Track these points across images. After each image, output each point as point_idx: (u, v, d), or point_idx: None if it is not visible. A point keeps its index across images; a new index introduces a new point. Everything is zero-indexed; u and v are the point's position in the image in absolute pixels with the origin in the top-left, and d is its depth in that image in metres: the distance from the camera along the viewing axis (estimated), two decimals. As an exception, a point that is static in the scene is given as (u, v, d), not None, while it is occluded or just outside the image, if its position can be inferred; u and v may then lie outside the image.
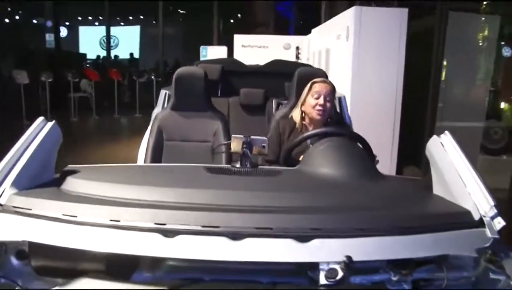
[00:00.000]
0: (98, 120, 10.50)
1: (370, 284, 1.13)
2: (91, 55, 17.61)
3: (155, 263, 1.20)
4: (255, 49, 11.51)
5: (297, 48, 10.16)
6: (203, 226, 1.11)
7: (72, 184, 1.37)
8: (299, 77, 2.63)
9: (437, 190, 1.48)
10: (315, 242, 1.09)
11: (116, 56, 17.23)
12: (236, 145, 1.73)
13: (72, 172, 1.48)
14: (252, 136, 1.73)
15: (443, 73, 5.56)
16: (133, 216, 1.13)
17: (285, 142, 2.38)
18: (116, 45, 18.97)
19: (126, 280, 1.12)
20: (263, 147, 1.74)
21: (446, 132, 1.50)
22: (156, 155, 2.56)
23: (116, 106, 11.10)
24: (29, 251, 1.17)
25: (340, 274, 1.04)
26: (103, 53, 17.78)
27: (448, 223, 1.20)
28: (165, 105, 3.42)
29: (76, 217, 1.15)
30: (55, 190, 1.36)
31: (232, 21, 18.45)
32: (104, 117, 10.75)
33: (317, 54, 8.33)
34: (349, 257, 1.03)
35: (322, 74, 2.64)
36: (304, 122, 2.42)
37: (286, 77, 3.50)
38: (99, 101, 11.04)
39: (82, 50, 18.45)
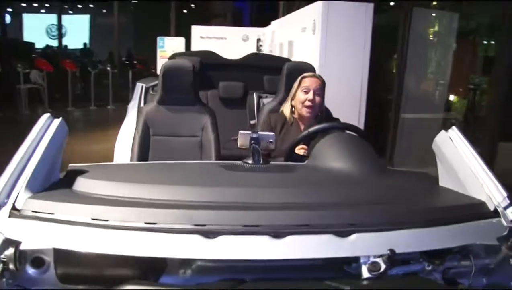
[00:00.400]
0: (51, 113, 9.99)
1: (404, 274, 1.17)
2: (37, 45, 16.74)
3: (184, 264, 1.17)
4: (213, 40, 11.38)
5: (259, 40, 10.15)
6: (244, 226, 1.09)
7: (88, 185, 1.31)
8: (288, 71, 2.65)
9: (444, 182, 1.54)
10: (355, 237, 1.11)
11: (65, 46, 16.48)
12: (243, 140, 1.71)
13: (80, 172, 1.42)
14: (260, 132, 1.72)
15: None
16: (171, 217, 1.10)
17: (277, 136, 2.39)
18: (64, 35, 18.14)
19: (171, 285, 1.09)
20: (271, 142, 1.73)
21: (454, 127, 1.56)
22: (143, 150, 2.50)
23: (70, 99, 10.63)
24: (54, 258, 1.11)
25: (383, 267, 1.07)
26: (51, 43, 16.93)
27: (469, 214, 1.26)
28: (142, 98, 3.33)
29: (107, 220, 1.10)
30: (71, 192, 1.30)
31: (185, 11, 18.16)
32: (57, 110, 10.22)
33: (278, 46, 8.38)
34: (392, 250, 1.06)
35: (311, 69, 2.67)
36: (294, 116, 2.44)
37: (265, 71, 3.51)
38: (51, 93, 10.52)
39: (26, 39, 17.46)
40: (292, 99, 2.43)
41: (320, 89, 2.38)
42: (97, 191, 1.27)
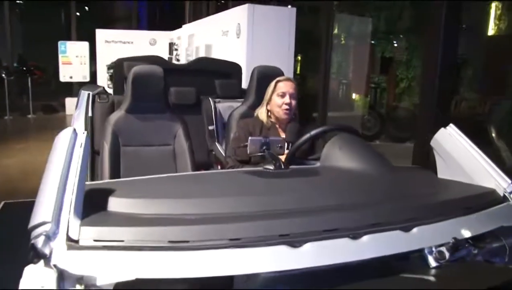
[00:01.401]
0: None
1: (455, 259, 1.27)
2: None
3: (251, 277, 1.15)
4: (119, 45, 10.99)
5: (172, 44, 9.96)
6: (325, 231, 1.11)
7: (136, 205, 1.21)
8: (259, 76, 2.67)
9: (444, 175, 1.70)
10: (417, 230, 1.19)
11: None
12: (254, 147, 1.71)
13: (108, 191, 1.30)
14: (270, 138, 1.73)
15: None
16: (254, 231, 1.07)
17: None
18: None
19: None
20: (280, 147, 1.75)
21: (451, 124, 1.72)
22: (114, 161, 2.35)
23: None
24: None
25: (447, 254, 1.17)
26: None
27: (489, 201, 1.42)
28: (89, 107, 3.10)
29: (188, 242, 1.04)
30: (119, 214, 1.19)
31: (78, 14, 17.12)
32: None
33: (195, 51, 8.32)
34: (456, 238, 1.16)
35: (280, 72, 2.72)
36: (271, 120, 2.47)
37: (215, 75, 3.48)
38: None
39: None
40: (268, 104, 2.46)
41: (295, 92, 2.44)
42: (152, 210, 1.18)
